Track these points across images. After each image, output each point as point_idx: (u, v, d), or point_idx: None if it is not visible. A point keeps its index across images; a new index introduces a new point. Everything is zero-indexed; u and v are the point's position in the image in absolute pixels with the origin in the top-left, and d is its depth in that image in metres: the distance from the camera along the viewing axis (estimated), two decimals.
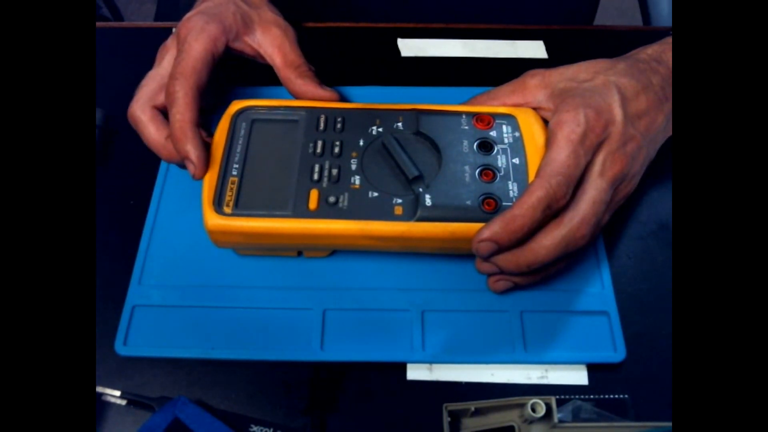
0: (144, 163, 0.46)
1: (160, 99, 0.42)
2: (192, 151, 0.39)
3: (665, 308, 0.41)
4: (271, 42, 0.44)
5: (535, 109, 0.41)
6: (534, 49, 0.54)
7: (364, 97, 0.49)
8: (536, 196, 0.36)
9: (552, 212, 0.36)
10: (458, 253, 0.39)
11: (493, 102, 0.43)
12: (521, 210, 0.36)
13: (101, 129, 0.47)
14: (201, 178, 0.39)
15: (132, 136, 0.49)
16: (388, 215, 0.38)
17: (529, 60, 0.52)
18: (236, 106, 0.42)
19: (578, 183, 0.37)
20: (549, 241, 0.36)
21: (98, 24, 0.55)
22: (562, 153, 0.37)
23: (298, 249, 0.41)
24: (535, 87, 0.41)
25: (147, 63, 0.49)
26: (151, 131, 0.41)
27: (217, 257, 0.42)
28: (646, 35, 0.59)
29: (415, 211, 0.38)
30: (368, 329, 0.39)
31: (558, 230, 0.36)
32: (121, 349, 0.39)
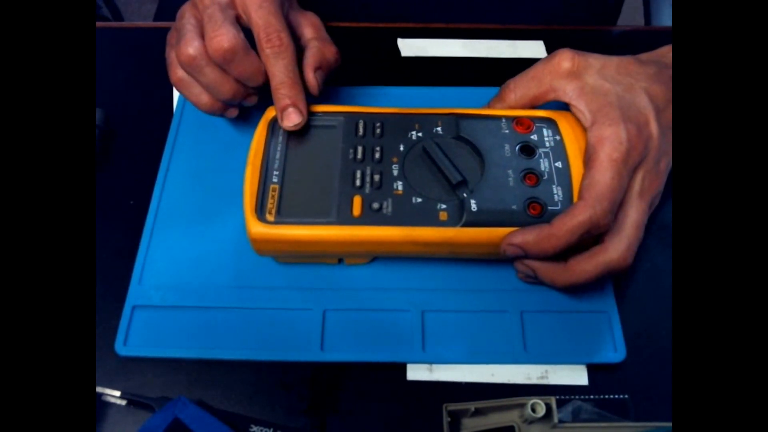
0: (144, 163, 0.46)
1: (233, 12, 0.41)
2: (303, 100, 0.40)
3: (665, 308, 0.41)
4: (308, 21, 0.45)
5: (564, 102, 0.41)
6: (534, 49, 0.54)
7: (365, 97, 0.49)
8: (578, 220, 0.35)
9: (591, 236, 0.36)
10: (504, 257, 0.39)
11: (518, 94, 0.42)
12: (560, 231, 0.36)
13: (101, 129, 0.47)
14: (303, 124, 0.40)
15: (132, 137, 0.49)
16: (434, 221, 0.38)
17: (529, 60, 0.52)
18: (273, 112, 0.42)
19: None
20: (592, 266, 0.36)
21: (98, 24, 0.55)
22: (606, 175, 0.36)
23: (341, 256, 0.41)
24: (565, 74, 0.40)
25: (147, 63, 0.49)
26: (232, 32, 0.39)
27: (216, 258, 0.42)
28: (647, 35, 0.59)
29: (460, 217, 0.37)
30: (368, 329, 0.39)
31: (602, 256, 0.36)
32: (121, 349, 0.39)
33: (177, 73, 0.42)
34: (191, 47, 0.40)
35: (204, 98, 0.43)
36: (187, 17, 0.42)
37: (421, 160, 0.40)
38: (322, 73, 0.43)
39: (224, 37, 0.39)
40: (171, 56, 0.43)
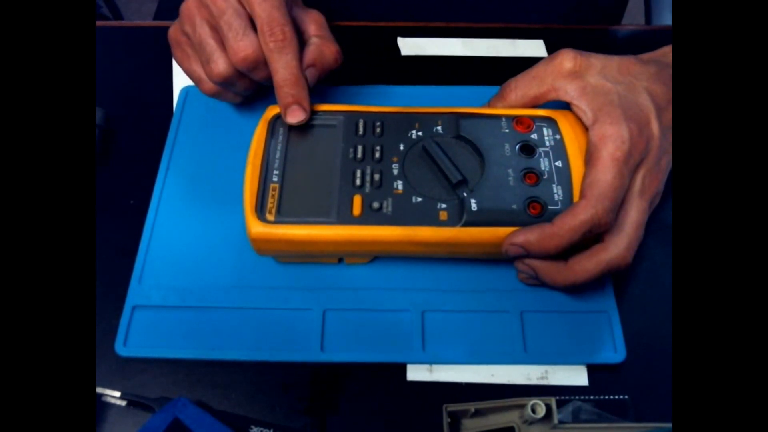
0: (144, 163, 0.46)
1: (245, 12, 0.41)
2: (306, 97, 0.41)
3: (665, 308, 0.41)
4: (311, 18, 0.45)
5: (566, 102, 0.40)
6: (534, 48, 0.54)
7: (365, 97, 0.49)
8: (580, 219, 0.36)
9: (592, 235, 0.36)
10: (504, 257, 0.39)
11: (519, 93, 0.41)
12: (562, 230, 0.36)
13: (101, 129, 0.47)
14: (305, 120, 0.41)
15: (132, 136, 0.49)
16: (434, 220, 0.37)
17: (529, 59, 0.52)
18: (273, 111, 0.42)
19: None
20: (592, 265, 0.37)
21: (98, 24, 0.55)
22: (608, 174, 0.36)
23: (342, 255, 0.41)
24: (567, 74, 0.40)
25: (147, 63, 0.48)
26: (256, 41, 0.40)
27: (216, 257, 0.42)
28: (646, 35, 0.59)
29: (461, 216, 0.37)
30: (368, 330, 0.39)
31: (603, 255, 0.36)
32: (121, 349, 0.39)
33: (209, 86, 0.44)
34: (221, 65, 0.41)
35: (239, 99, 0.46)
36: (199, 23, 0.41)
37: (421, 160, 0.40)
38: (315, 70, 0.42)
39: (249, 47, 0.40)
40: (196, 72, 0.44)
